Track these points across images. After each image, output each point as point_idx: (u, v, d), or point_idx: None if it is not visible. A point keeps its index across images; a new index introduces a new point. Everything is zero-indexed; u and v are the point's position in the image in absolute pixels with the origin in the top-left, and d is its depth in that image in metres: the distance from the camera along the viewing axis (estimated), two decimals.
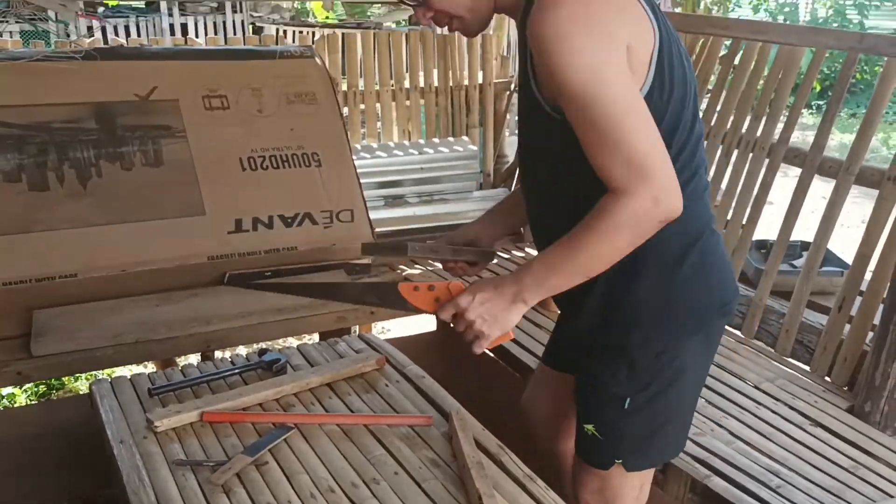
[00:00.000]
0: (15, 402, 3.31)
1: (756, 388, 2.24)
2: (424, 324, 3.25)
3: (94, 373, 2.98)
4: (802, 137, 7.82)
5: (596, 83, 1.24)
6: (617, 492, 1.62)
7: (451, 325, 1.50)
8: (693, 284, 1.47)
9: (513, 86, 3.87)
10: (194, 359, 2.96)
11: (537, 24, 1.27)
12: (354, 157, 3.19)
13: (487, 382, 2.79)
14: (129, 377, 2.02)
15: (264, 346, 2.11)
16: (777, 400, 2.18)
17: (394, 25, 9.40)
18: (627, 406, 1.52)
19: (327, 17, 10.59)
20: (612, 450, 1.57)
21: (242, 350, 3.07)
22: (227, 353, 3.33)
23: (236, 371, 2.01)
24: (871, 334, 2.21)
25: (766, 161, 2.58)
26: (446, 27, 1.50)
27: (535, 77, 1.38)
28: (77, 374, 3.19)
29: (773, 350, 2.49)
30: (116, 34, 9.64)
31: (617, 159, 1.27)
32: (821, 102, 10.35)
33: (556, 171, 1.47)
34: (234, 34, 10.41)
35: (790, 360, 2.44)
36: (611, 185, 1.30)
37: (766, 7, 12.00)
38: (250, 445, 1.66)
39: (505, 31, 4.12)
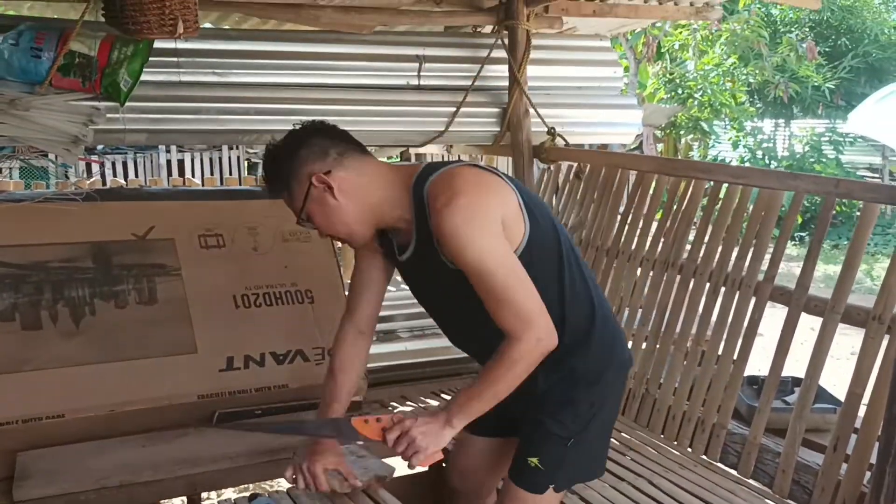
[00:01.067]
0: None
1: None
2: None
3: None
4: (788, 269, 7.95)
5: (484, 260, 1.72)
6: None
7: (394, 446, 1.83)
8: (609, 348, 1.98)
9: None
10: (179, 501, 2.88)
11: (441, 224, 1.73)
12: (346, 292, 3.21)
13: None
14: None
15: (255, 492, 2.07)
16: None
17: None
18: (570, 445, 1.92)
19: None
20: (550, 478, 1.93)
21: (232, 493, 3.00)
22: (215, 497, 3.27)
23: None
24: (868, 474, 2.19)
25: (753, 299, 2.62)
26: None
27: (441, 249, 1.79)
28: None
29: (770, 491, 2.45)
30: (114, 171, 9.89)
31: (507, 313, 1.74)
32: (803, 234, 10.58)
33: (472, 305, 1.79)
34: (230, 171, 10.68)
35: (789, 501, 2.40)
36: (505, 331, 1.75)
37: (744, 143, 12.42)
38: None
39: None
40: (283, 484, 2.31)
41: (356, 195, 1.82)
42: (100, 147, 9.98)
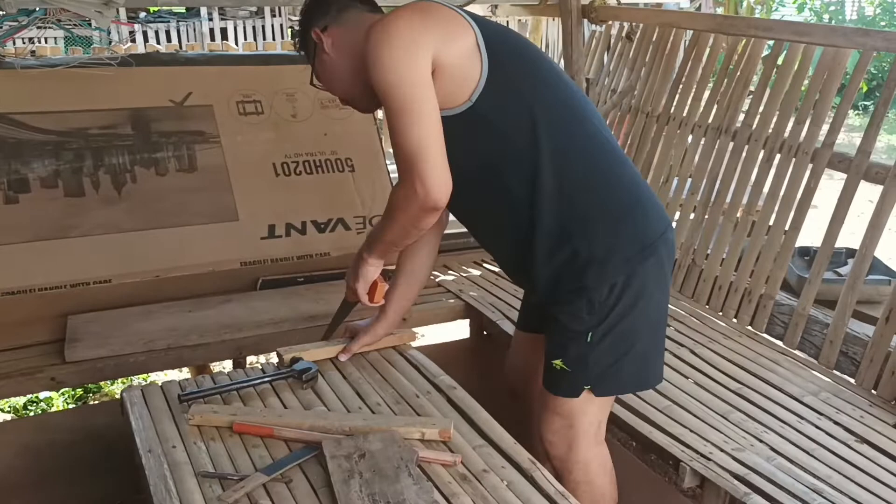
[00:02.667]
0: (52, 406, 3.34)
1: (798, 401, 2.16)
2: (458, 331, 3.22)
3: (129, 378, 3.00)
4: (848, 139, 7.64)
5: (386, 81, 1.56)
6: (578, 430, 1.80)
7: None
8: (630, 224, 1.71)
9: None
10: (228, 364, 2.95)
11: (364, 48, 1.60)
12: (388, 162, 3.16)
13: None
14: (160, 384, 2.01)
15: (296, 355, 2.09)
16: (821, 414, 2.11)
17: None
18: (590, 339, 1.72)
19: None
20: (581, 379, 1.76)
21: (274, 356, 3.05)
22: (261, 359, 3.35)
23: (266, 379, 1.99)
24: None
25: (810, 166, 2.50)
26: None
27: None
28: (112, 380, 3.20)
29: (816, 361, 2.40)
30: (157, 39, 9.77)
31: (397, 148, 1.60)
32: (868, 103, 10.11)
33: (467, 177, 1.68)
34: (273, 38, 10.48)
35: (835, 372, 2.36)
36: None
37: (810, 6, 11.74)
38: (270, 465, 1.63)
39: (541, 32, 4.06)
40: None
41: (348, 51, 1.70)
42: (142, 15, 9.86)
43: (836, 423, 2.09)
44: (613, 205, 1.71)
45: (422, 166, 1.57)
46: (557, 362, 1.77)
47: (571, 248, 1.70)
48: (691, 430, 2.03)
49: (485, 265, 3.15)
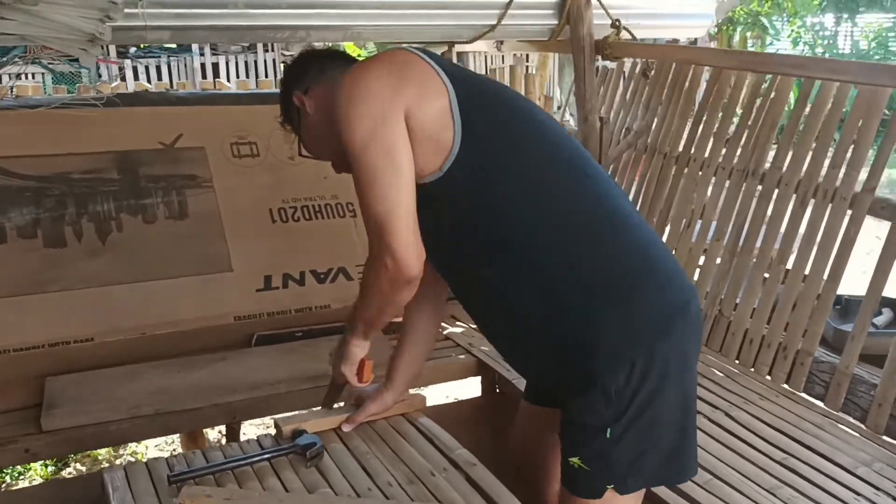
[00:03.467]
0: (28, 469, 3.10)
1: (851, 473, 1.96)
2: (468, 389, 3.03)
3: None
4: (888, 176, 7.47)
5: (353, 141, 1.43)
6: None
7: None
8: (642, 296, 1.48)
9: None
10: (221, 429, 2.73)
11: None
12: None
13: None
14: (145, 461, 1.80)
15: (299, 428, 1.89)
16: (878, 489, 1.91)
17: None
18: (610, 435, 1.49)
19: (359, 55, 10.49)
20: (603, 478, 1.53)
21: (272, 424, 2.84)
22: (254, 429, 3.13)
23: (265, 456, 1.79)
24: None
25: (849, 213, 2.32)
26: None
27: None
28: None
29: (863, 426, 2.21)
30: (148, 75, 9.63)
31: (366, 222, 1.49)
32: None
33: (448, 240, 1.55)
34: (266, 74, 10.37)
35: (885, 437, 2.16)
36: None
37: (805, 40, 11.72)
38: None
39: (548, 69, 3.91)
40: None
41: (325, 110, 1.57)
42: (132, 50, 9.73)
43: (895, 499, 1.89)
44: (623, 275, 1.49)
45: (389, 238, 1.45)
46: (575, 460, 1.54)
47: (574, 329, 1.49)
48: None
49: None
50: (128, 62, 9.51)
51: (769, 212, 2.57)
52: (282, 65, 10.71)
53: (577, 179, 1.53)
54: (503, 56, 9.80)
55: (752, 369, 2.53)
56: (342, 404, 2.01)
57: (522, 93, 3.69)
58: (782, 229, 2.53)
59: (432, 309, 1.86)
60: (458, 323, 2.85)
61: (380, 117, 1.43)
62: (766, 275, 2.57)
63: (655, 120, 3.06)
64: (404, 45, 1.57)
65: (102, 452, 3.19)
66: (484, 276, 1.55)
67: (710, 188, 2.79)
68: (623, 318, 1.47)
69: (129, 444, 3.17)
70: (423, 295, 1.72)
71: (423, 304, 1.81)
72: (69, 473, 3.16)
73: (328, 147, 1.62)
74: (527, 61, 9.58)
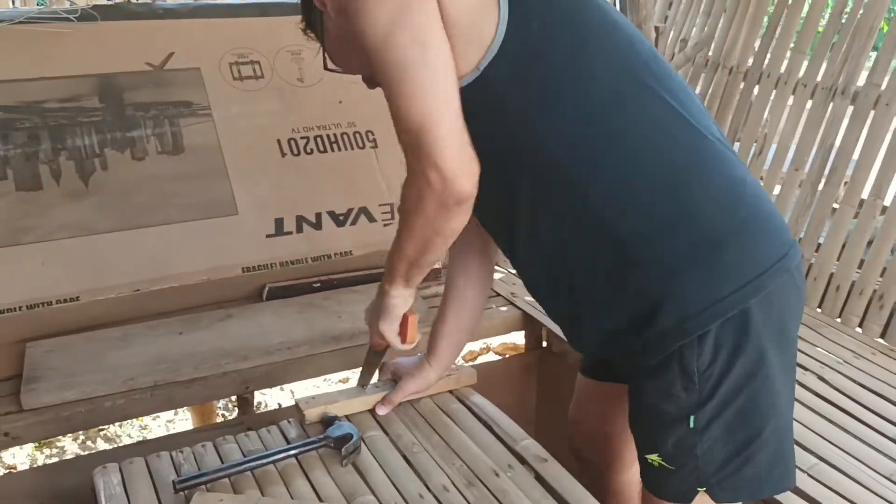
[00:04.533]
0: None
1: None
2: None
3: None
4: None
5: (377, 39, 1.09)
6: None
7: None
8: (737, 237, 1.16)
9: None
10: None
11: None
12: None
13: None
14: (145, 459, 1.49)
15: (331, 414, 1.57)
16: None
17: None
18: (693, 425, 1.20)
19: None
20: (691, 479, 1.25)
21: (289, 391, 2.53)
22: (269, 398, 2.83)
23: (292, 452, 1.47)
24: None
25: None
26: None
27: None
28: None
29: None
30: None
31: (400, 130, 1.13)
32: None
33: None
34: None
35: None
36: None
37: None
38: None
39: None
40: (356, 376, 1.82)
41: None
42: None
43: None
44: (713, 220, 1.16)
45: (431, 146, 1.09)
46: (654, 457, 1.27)
47: (649, 286, 1.17)
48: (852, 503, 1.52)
49: None
50: None
51: (862, 137, 2.20)
52: None
53: (655, 91, 1.17)
54: None
55: (839, 319, 2.21)
56: (376, 379, 1.68)
57: None
58: (879, 158, 2.17)
59: (480, 261, 1.52)
60: (497, 269, 2.51)
61: (413, 3, 1.08)
62: (858, 210, 2.22)
63: (718, 29, 2.65)
64: None
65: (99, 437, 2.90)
66: (529, 216, 1.24)
67: (786, 109, 2.41)
68: (711, 275, 1.15)
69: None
70: (468, 243, 1.42)
71: (470, 256, 1.49)
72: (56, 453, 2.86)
73: (355, 55, 1.25)
74: None
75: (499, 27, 1.12)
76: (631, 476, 1.61)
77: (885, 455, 1.67)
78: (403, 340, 1.50)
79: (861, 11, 2.23)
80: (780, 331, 1.20)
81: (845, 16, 2.29)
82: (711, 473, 1.24)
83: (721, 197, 1.17)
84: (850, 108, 2.24)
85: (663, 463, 1.26)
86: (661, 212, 1.15)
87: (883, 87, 2.16)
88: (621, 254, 1.17)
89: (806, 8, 2.38)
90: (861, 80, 2.24)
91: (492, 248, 1.52)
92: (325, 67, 1.33)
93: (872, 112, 2.18)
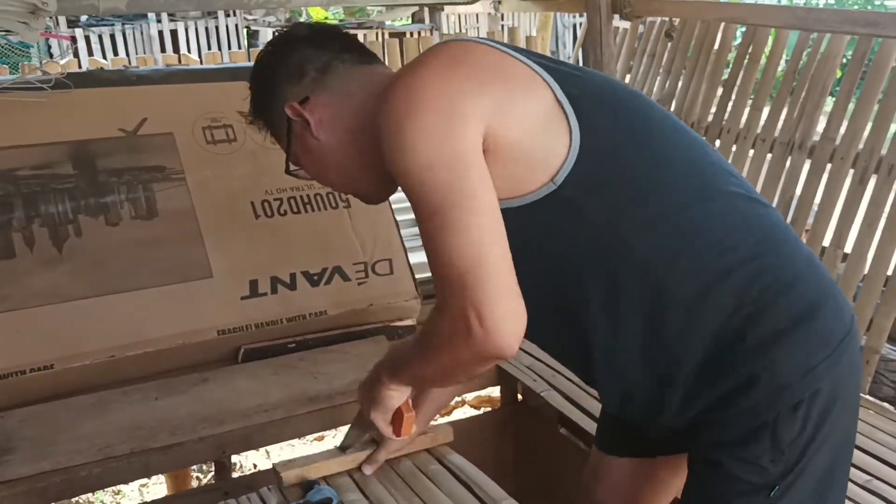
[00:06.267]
0: None
1: None
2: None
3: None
4: None
5: (416, 176, 1.06)
6: None
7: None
8: (821, 311, 1.15)
9: None
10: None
11: (376, 122, 1.12)
12: None
13: (565, 465, 2.25)
14: None
15: (302, 473, 1.58)
16: None
17: (396, 24, 8.85)
18: (773, 494, 1.15)
19: (326, 18, 10.03)
20: None
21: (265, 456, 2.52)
22: (245, 459, 2.80)
23: None
24: None
25: None
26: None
27: None
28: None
29: None
30: (102, 46, 9.08)
31: (439, 272, 1.08)
32: None
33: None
34: (229, 42, 9.87)
35: None
36: (437, 299, 1.12)
37: None
38: None
39: (549, 30, 3.56)
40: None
41: (346, 125, 1.23)
42: (84, 18, 9.16)
43: None
44: (801, 291, 1.16)
45: (481, 296, 1.04)
46: None
47: (741, 365, 1.13)
48: None
49: None
50: (79, 31, 8.92)
51: (821, 189, 2.28)
52: (244, 30, 10.22)
53: (723, 178, 1.19)
54: (477, 15, 9.43)
55: None
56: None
57: None
58: (837, 209, 2.24)
59: None
60: None
61: (454, 135, 1.05)
62: (820, 259, 2.29)
63: (679, 87, 2.74)
64: (454, 39, 1.23)
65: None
66: (610, 320, 1.18)
67: (748, 162, 2.49)
68: (806, 344, 1.13)
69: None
70: None
71: None
72: None
73: (341, 175, 1.28)
74: (502, 20, 9.21)
75: (572, 140, 1.11)
76: None
77: (855, 503, 1.70)
78: (397, 434, 1.47)
79: (814, 67, 2.33)
80: (854, 396, 1.22)
81: (799, 74, 2.39)
82: None
83: (804, 268, 1.18)
84: (808, 162, 2.32)
85: None
86: (756, 288, 1.13)
87: (837, 141, 2.25)
88: (714, 336, 1.14)
89: (761, 66, 2.47)
90: (817, 135, 2.32)
91: None
92: (287, 171, 1.33)
93: (829, 166, 2.26)
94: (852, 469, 1.77)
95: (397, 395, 1.39)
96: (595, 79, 1.24)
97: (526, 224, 1.12)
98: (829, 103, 2.39)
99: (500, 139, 1.08)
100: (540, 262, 1.16)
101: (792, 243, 1.20)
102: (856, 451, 1.82)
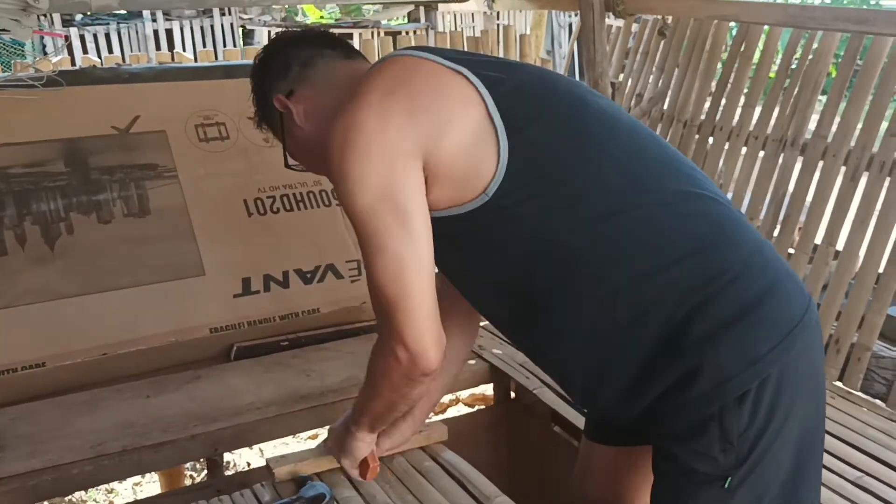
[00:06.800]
0: None
1: None
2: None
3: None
4: None
5: (353, 202, 1.17)
6: None
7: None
8: (768, 299, 1.16)
9: None
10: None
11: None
12: None
13: (559, 463, 2.25)
14: None
15: (303, 474, 1.58)
16: None
17: (392, 23, 8.85)
18: (728, 485, 1.17)
19: (321, 17, 10.02)
20: None
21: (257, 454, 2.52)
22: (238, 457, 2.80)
23: None
24: None
25: None
26: None
27: None
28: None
29: None
30: (97, 44, 9.06)
31: (372, 294, 1.21)
32: None
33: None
34: (224, 40, 9.85)
35: None
36: None
37: None
38: None
39: (544, 28, 3.57)
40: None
41: (327, 115, 1.26)
42: (79, 17, 9.14)
43: None
44: (745, 286, 1.16)
45: (402, 326, 1.19)
46: None
47: (682, 358, 1.15)
48: None
49: None
50: (73, 30, 8.90)
51: (813, 186, 2.28)
52: (240, 29, 10.20)
53: (669, 176, 1.21)
54: (473, 14, 9.43)
55: None
56: None
57: (517, 54, 3.33)
58: (829, 206, 2.25)
59: (463, 329, 1.54)
60: None
61: (389, 171, 1.15)
62: (812, 256, 2.29)
63: (672, 84, 2.74)
64: (400, 51, 1.27)
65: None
66: (557, 308, 1.22)
67: (740, 160, 2.49)
68: (749, 336, 1.14)
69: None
70: (453, 314, 1.42)
71: (453, 327, 1.46)
72: None
73: (326, 163, 1.28)
74: (497, 19, 9.21)
75: (499, 151, 1.16)
76: None
77: (847, 499, 1.70)
78: (364, 478, 1.56)
79: (806, 65, 2.33)
80: (811, 386, 1.22)
81: (792, 69, 2.39)
82: None
83: (751, 259, 1.18)
84: (800, 159, 2.32)
85: None
86: (698, 282, 1.15)
87: (829, 138, 2.25)
88: (658, 329, 1.16)
89: (754, 63, 2.47)
90: (810, 132, 2.33)
91: (476, 318, 1.54)
92: (286, 165, 1.40)
93: (821, 162, 2.26)
94: (843, 465, 1.79)
95: (364, 445, 1.51)
96: (530, 79, 1.27)
97: (469, 229, 1.20)
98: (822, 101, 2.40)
99: (438, 161, 1.16)
100: (488, 262, 1.23)
101: (740, 236, 1.20)
102: (846, 448, 1.85)
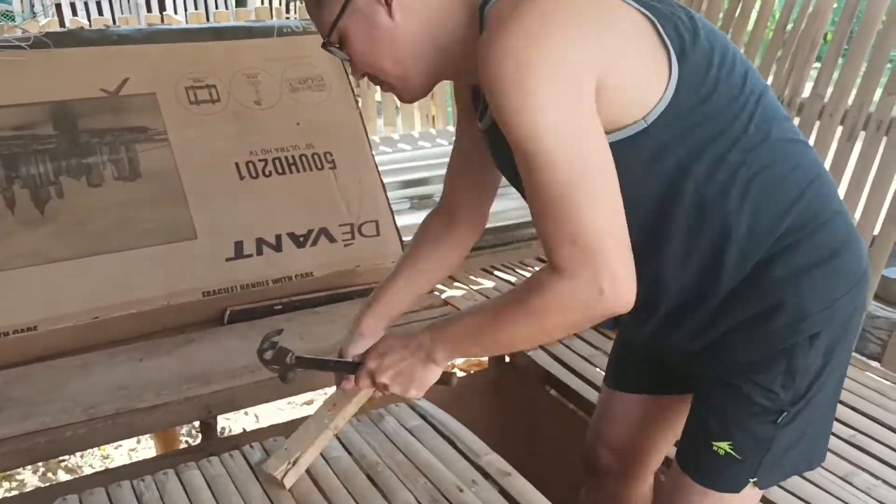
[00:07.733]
0: None
1: None
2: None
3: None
4: None
5: (540, 137, 1.02)
6: None
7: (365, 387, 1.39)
8: (837, 257, 1.20)
9: None
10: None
11: (482, 66, 1.04)
12: (374, 153, 2.62)
13: (552, 425, 2.26)
14: (105, 490, 1.48)
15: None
16: None
17: None
18: (782, 421, 1.23)
19: None
20: (751, 469, 1.27)
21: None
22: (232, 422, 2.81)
23: None
24: None
25: None
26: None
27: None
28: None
29: None
30: (88, 11, 8.94)
31: (562, 232, 1.06)
32: None
33: None
34: (217, 7, 9.72)
35: None
36: (552, 259, 1.08)
37: None
38: None
39: None
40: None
41: (425, 19, 1.14)
42: None
43: None
44: (828, 235, 1.20)
45: (611, 262, 1.05)
46: (722, 445, 1.26)
47: (768, 297, 1.19)
48: None
49: (496, 273, 2.63)
50: None
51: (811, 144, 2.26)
52: None
53: (782, 118, 1.21)
54: None
55: None
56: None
57: None
58: (826, 166, 2.23)
59: (459, 239, 1.48)
60: (456, 284, 2.53)
61: (578, 95, 1.03)
62: None
63: None
64: None
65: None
66: (682, 247, 1.21)
67: None
68: (832, 278, 1.20)
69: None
70: (456, 222, 1.44)
71: (451, 232, 1.46)
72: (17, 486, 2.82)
73: (401, 64, 1.18)
74: None
75: (670, 77, 1.09)
76: (646, 489, 1.64)
77: (840, 456, 1.71)
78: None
79: (804, 24, 2.30)
80: (853, 336, 1.27)
81: (789, 28, 2.36)
82: (770, 464, 1.26)
83: (839, 207, 1.23)
84: (797, 119, 2.30)
85: (732, 452, 1.26)
86: (799, 223, 1.18)
87: (826, 98, 2.23)
88: (754, 263, 1.19)
89: (751, 23, 2.44)
90: (806, 92, 2.30)
91: (473, 239, 1.48)
92: (324, 45, 1.21)
93: (818, 122, 2.24)
94: (837, 424, 1.78)
95: (435, 375, 1.33)
96: (687, 15, 1.17)
97: (625, 156, 1.10)
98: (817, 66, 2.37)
99: (607, 85, 1.05)
100: (635, 190, 1.13)
101: (831, 183, 1.25)
102: (841, 407, 1.85)
